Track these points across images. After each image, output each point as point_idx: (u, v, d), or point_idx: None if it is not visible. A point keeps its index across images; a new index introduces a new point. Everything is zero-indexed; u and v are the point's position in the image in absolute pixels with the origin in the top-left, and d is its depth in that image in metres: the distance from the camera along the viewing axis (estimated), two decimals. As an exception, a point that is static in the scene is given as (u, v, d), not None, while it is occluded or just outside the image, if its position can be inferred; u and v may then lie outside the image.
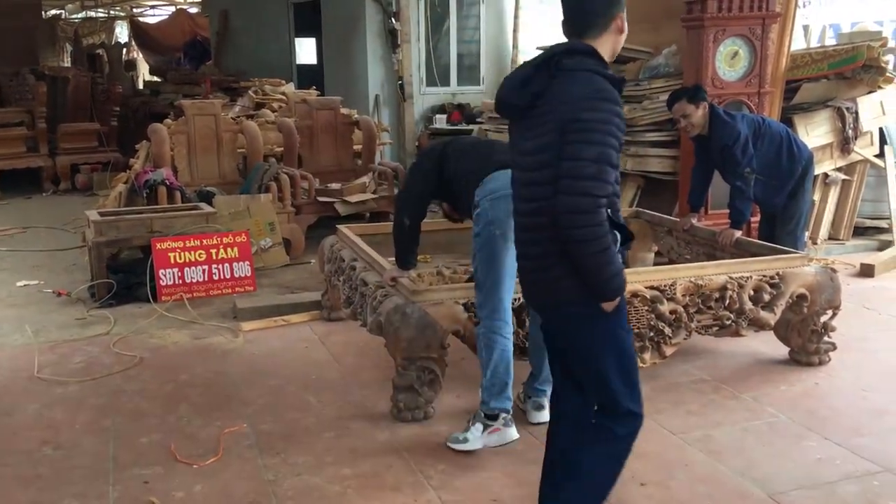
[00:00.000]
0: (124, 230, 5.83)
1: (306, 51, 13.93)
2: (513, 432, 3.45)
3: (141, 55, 20.16)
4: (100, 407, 3.96)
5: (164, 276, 5.66)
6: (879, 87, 6.90)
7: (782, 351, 4.43)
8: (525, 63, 2.61)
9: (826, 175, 6.87)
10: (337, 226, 5.03)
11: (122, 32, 22.85)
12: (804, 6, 9.00)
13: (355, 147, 8.23)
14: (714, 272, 4.11)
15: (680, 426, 3.67)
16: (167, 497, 3.11)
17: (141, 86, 16.61)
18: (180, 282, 5.69)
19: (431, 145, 4.13)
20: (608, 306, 2.43)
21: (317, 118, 7.92)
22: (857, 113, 6.74)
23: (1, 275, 6.41)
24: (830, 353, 4.36)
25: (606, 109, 2.32)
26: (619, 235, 2.45)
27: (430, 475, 3.25)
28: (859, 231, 7.16)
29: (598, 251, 2.33)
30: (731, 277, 4.10)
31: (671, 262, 5.24)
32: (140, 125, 11.02)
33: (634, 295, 3.88)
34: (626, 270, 4.44)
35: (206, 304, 5.60)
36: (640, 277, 3.99)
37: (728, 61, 6.01)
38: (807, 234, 5.97)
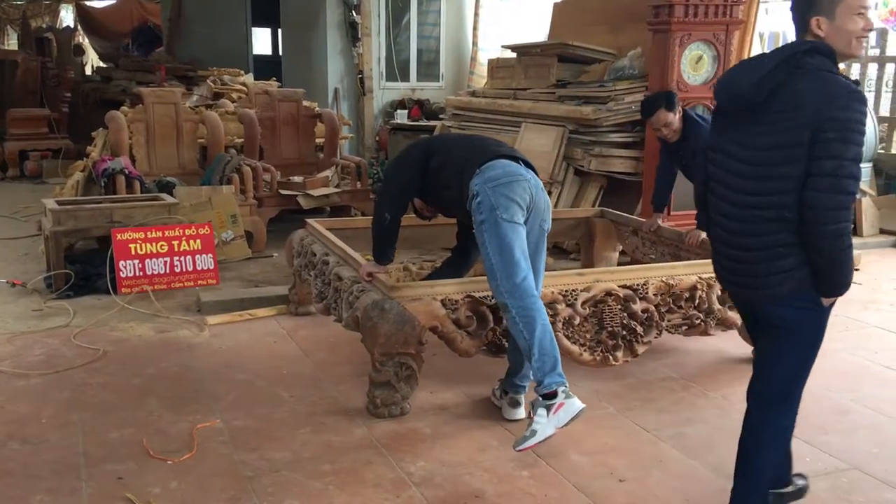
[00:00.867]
0: (83, 220, 5.67)
1: (262, 41, 13.76)
2: (577, 402, 3.19)
3: (87, 41, 19.62)
4: (65, 401, 3.86)
5: (125, 267, 5.54)
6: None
7: (746, 350, 4.51)
8: (756, 57, 2.60)
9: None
10: (307, 220, 4.97)
11: (67, 16, 22.20)
12: (766, 13, 9.21)
13: (317, 140, 8.17)
14: (684, 272, 4.18)
15: (653, 423, 3.72)
16: (143, 493, 3.04)
17: (90, 72, 16.18)
18: (141, 274, 5.58)
19: (415, 140, 4.11)
20: (828, 302, 2.53)
21: (279, 110, 7.84)
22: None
23: (-50, 263, 6.21)
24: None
25: (858, 110, 2.37)
26: None
27: (411, 471, 3.24)
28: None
29: (848, 246, 2.42)
30: (700, 278, 4.18)
31: (635, 261, 5.31)
32: (91, 112, 10.79)
33: (609, 294, 3.93)
34: (598, 270, 4.55)
35: (168, 296, 5.49)
36: (614, 277, 4.05)
37: (693, 65, 6.11)
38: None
